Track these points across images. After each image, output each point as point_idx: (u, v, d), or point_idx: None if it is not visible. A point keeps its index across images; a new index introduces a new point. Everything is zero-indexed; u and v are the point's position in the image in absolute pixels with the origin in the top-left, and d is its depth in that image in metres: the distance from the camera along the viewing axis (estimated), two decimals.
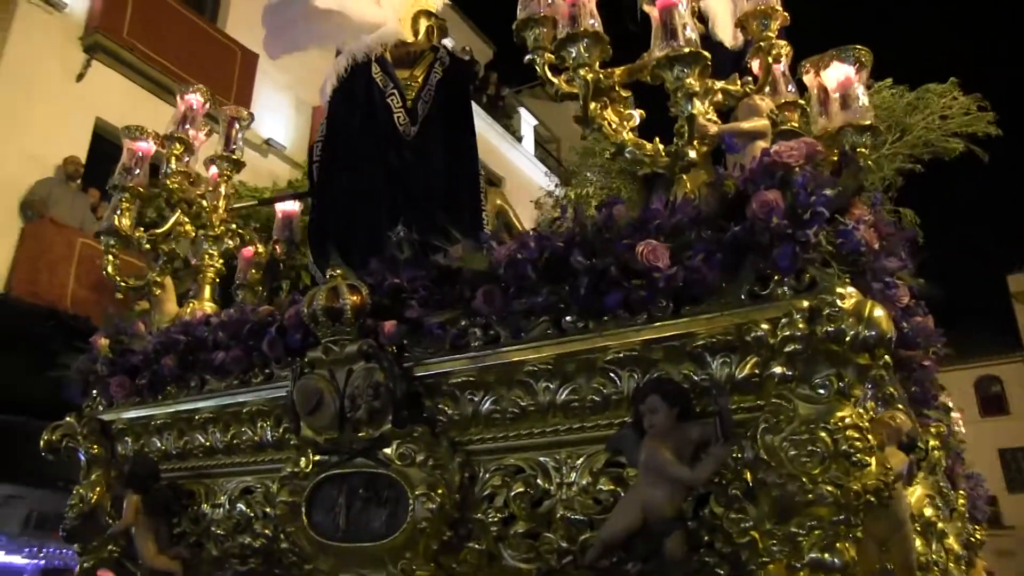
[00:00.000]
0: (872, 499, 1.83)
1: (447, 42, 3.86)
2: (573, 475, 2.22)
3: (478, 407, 2.39)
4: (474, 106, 3.92)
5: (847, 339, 1.80)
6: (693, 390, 2.06)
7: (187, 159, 3.72)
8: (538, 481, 2.27)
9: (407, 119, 3.51)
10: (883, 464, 1.92)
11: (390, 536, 2.40)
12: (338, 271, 2.66)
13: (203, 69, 9.90)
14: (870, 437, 1.86)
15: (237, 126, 4.00)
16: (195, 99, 3.62)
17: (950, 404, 4.91)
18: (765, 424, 1.88)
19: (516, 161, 18.12)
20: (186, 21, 10.90)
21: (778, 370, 1.90)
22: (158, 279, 3.37)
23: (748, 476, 1.93)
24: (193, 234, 3.51)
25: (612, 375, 2.18)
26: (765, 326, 1.93)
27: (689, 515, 2.03)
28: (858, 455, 1.81)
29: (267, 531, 2.79)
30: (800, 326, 1.86)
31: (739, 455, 1.94)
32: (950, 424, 4.66)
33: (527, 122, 19.93)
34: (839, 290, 1.84)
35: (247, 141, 4.16)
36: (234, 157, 3.91)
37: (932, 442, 3.61)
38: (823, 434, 1.82)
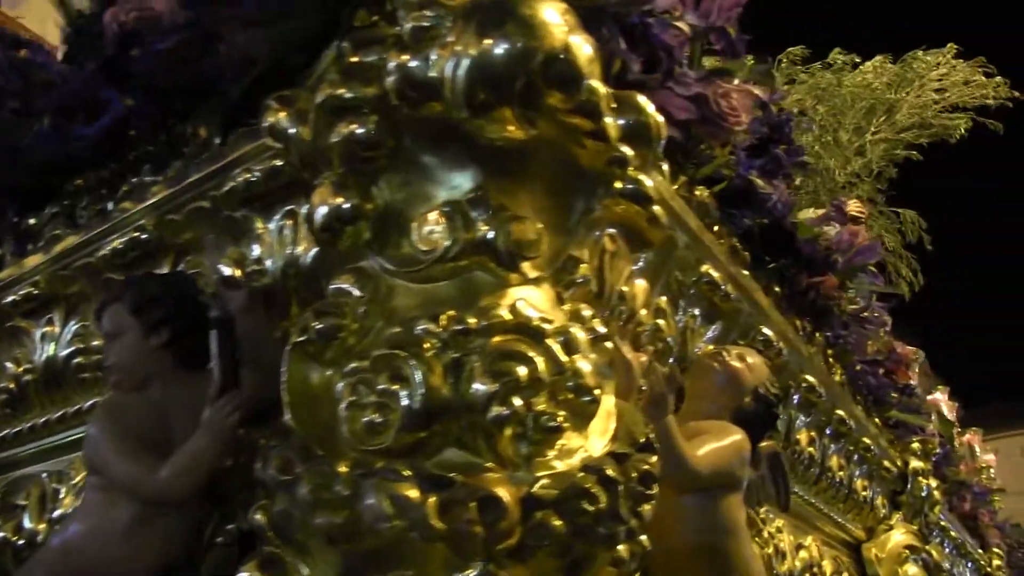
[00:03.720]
0: (557, 524, 0.67)
1: None
2: (70, 500, 1.10)
3: None
4: None
5: (446, 79, 0.68)
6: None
7: None
8: (25, 518, 1.15)
9: None
10: (633, 431, 0.77)
11: None
12: None
13: None
14: (583, 363, 0.71)
15: None
16: None
17: (946, 412, 3.63)
18: (301, 336, 0.74)
19: None
20: None
21: (327, 205, 0.76)
22: None
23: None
24: None
25: None
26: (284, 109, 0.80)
27: None
28: (517, 398, 0.66)
29: None
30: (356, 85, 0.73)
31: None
32: (951, 437, 3.38)
33: None
34: None
35: None
36: None
37: (916, 463, 2.40)
38: (427, 347, 0.68)
